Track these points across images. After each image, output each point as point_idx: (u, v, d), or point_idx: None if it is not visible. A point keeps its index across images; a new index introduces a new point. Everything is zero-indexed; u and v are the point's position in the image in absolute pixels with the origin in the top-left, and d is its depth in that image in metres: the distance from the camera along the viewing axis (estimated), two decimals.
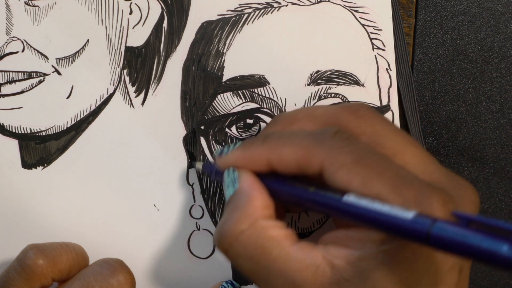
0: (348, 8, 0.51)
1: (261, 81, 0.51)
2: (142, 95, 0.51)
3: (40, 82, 0.50)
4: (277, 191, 0.41)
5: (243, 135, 0.51)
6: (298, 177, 0.41)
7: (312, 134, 0.40)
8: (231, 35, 0.51)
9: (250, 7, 0.51)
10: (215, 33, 0.51)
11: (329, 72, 0.51)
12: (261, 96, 0.51)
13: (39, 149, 0.51)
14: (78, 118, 0.51)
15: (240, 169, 0.42)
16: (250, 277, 0.39)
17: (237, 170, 0.42)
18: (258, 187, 0.41)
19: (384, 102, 0.52)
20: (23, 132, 0.51)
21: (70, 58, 0.51)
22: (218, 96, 0.51)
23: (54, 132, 0.51)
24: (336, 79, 0.51)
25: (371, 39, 0.52)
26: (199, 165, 0.49)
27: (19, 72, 0.50)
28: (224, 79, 0.51)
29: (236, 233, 0.39)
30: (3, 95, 0.50)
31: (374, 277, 0.35)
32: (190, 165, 0.51)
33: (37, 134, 0.51)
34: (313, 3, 0.51)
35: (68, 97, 0.51)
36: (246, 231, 0.39)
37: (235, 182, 0.42)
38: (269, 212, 0.40)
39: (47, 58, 0.50)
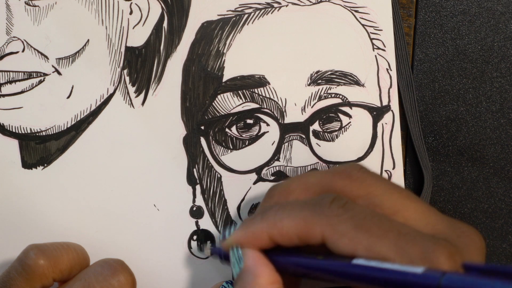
0: (349, 8, 0.51)
1: (261, 81, 0.51)
2: (142, 95, 0.51)
3: (40, 82, 0.50)
4: (284, 265, 0.41)
5: (243, 135, 0.51)
6: (304, 247, 0.41)
7: (309, 204, 0.40)
8: (231, 35, 0.51)
9: (250, 7, 0.51)
10: (215, 33, 0.51)
11: (329, 72, 0.52)
12: (261, 96, 0.51)
13: (39, 149, 0.51)
14: (78, 118, 0.51)
15: (244, 247, 0.42)
16: None
17: (241, 248, 0.42)
18: (263, 263, 0.41)
19: (385, 102, 0.52)
20: (23, 132, 0.51)
21: (70, 58, 0.51)
22: (218, 96, 0.51)
23: (54, 132, 0.51)
24: (336, 79, 0.52)
25: (371, 39, 0.52)
26: (207, 250, 0.49)
27: (19, 72, 0.50)
28: (224, 79, 0.51)
29: None
30: (3, 95, 0.50)
31: None
32: (201, 248, 0.51)
33: (37, 134, 0.51)
34: (314, 3, 0.51)
35: (68, 97, 0.51)
36: None
37: (240, 261, 0.42)
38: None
39: (47, 58, 0.50)
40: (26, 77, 0.50)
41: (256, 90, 0.51)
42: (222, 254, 0.45)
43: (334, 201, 0.39)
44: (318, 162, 0.52)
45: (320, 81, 0.51)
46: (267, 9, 0.51)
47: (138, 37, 0.51)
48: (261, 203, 0.46)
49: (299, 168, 0.51)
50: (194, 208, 0.52)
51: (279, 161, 0.51)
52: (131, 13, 0.51)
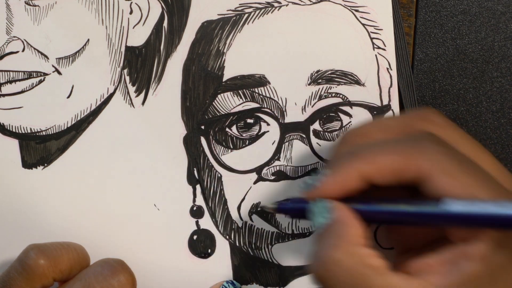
0: (349, 7, 0.51)
1: (262, 81, 0.51)
2: (142, 94, 0.51)
3: (40, 81, 0.50)
4: (371, 215, 0.40)
5: (244, 135, 0.51)
6: (384, 198, 0.40)
7: (405, 140, 0.39)
8: (232, 34, 0.51)
9: (251, 7, 0.51)
10: (216, 32, 0.51)
11: (329, 72, 0.51)
12: (261, 96, 0.51)
13: (40, 148, 0.51)
14: (79, 118, 0.51)
15: (333, 194, 0.40)
16: None
17: (327, 200, 0.40)
18: (352, 215, 0.39)
19: (385, 102, 0.52)
20: (23, 131, 0.51)
21: (71, 58, 0.51)
22: (219, 96, 0.51)
23: (55, 131, 0.51)
24: (336, 79, 0.51)
25: (371, 38, 0.52)
26: (272, 206, 0.45)
27: (19, 71, 0.50)
28: (224, 79, 0.51)
29: (335, 260, 0.38)
30: (4, 95, 0.50)
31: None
32: (261, 208, 0.50)
33: (37, 134, 0.51)
34: (314, 3, 0.51)
35: (68, 97, 0.51)
36: (345, 259, 0.38)
37: (325, 212, 0.40)
38: (366, 241, 0.39)
39: (48, 58, 0.50)
40: (26, 77, 0.50)
41: (256, 89, 0.51)
42: (296, 208, 0.42)
43: (434, 138, 0.38)
44: (318, 162, 0.52)
45: (320, 80, 0.51)
46: (267, 9, 0.51)
47: (138, 37, 0.51)
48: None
49: (299, 167, 0.51)
50: (194, 208, 0.52)
51: (280, 160, 0.51)
52: (131, 12, 0.51)
